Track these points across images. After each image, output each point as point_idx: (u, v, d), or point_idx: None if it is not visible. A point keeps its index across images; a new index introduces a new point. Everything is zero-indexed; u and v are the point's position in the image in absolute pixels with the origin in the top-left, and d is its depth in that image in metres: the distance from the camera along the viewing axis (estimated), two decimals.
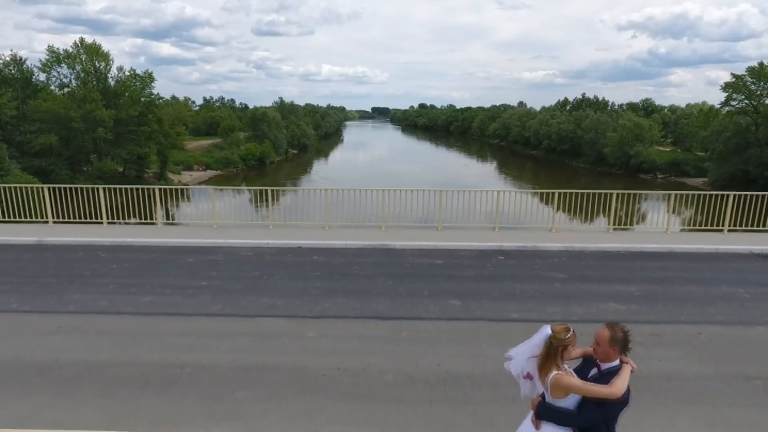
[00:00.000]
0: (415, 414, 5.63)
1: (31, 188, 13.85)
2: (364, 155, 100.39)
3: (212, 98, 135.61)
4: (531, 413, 3.65)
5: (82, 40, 57.07)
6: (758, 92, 52.62)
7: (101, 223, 13.86)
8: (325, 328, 7.85)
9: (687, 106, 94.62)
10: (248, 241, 12.59)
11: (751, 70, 52.26)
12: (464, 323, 8.06)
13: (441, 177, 62.39)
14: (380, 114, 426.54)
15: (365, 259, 11.40)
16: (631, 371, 3.40)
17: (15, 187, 13.75)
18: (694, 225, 14.69)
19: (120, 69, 58.22)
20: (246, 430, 5.38)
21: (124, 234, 13.13)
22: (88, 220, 13.88)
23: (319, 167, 78.83)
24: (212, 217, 14.21)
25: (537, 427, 3.51)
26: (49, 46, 58.75)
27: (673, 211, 14.30)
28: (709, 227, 13.79)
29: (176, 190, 15.58)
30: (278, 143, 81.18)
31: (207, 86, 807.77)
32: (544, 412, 3.46)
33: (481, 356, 6.93)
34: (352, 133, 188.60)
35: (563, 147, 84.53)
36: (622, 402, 3.31)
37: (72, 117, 49.59)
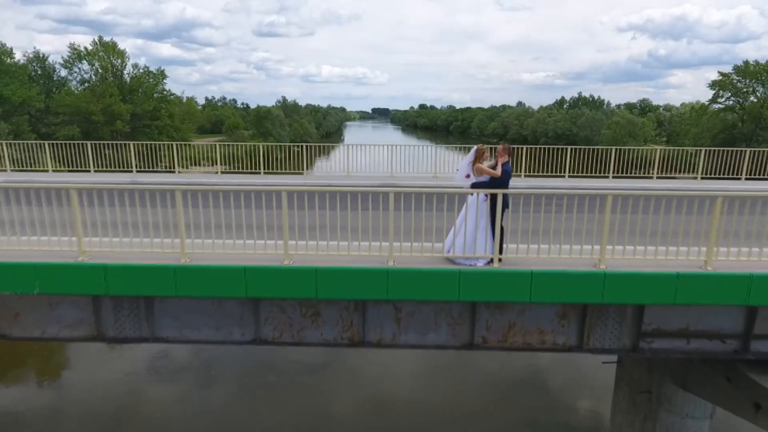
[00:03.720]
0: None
1: (120, 144, 17.83)
2: None
3: (214, 98, 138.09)
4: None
5: (100, 38, 61.00)
6: (744, 90, 55.52)
7: (173, 171, 17.89)
8: None
9: (681, 105, 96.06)
10: (289, 180, 16.67)
11: (737, 69, 54.97)
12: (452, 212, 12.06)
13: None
14: (380, 115, 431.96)
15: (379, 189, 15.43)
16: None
17: (106, 144, 17.81)
18: (630, 173, 18.83)
19: (135, 66, 62.26)
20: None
21: (194, 178, 17.17)
22: (164, 169, 17.93)
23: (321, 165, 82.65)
24: (259, 167, 18.26)
25: (472, 194, 7.56)
26: (70, 43, 62.74)
27: (616, 165, 18.36)
28: (643, 175, 17.89)
29: (227, 145, 19.78)
30: (281, 140, 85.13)
31: (207, 87, 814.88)
32: (474, 185, 7.53)
33: None
34: (352, 132, 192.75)
35: (560, 144, 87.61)
36: (505, 174, 7.46)
37: (92, 110, 53.43)
